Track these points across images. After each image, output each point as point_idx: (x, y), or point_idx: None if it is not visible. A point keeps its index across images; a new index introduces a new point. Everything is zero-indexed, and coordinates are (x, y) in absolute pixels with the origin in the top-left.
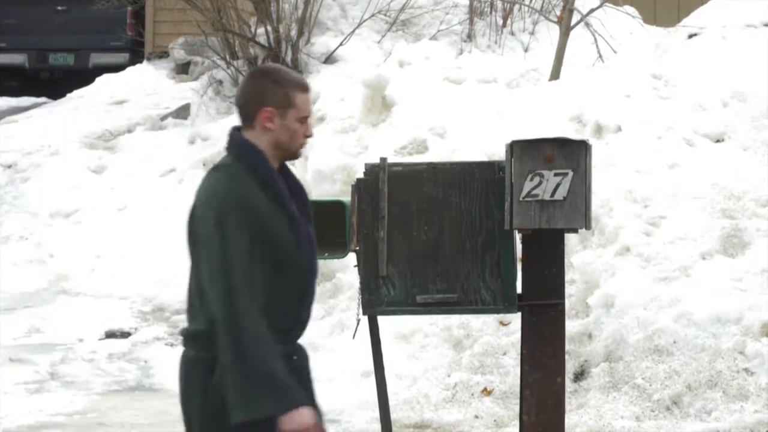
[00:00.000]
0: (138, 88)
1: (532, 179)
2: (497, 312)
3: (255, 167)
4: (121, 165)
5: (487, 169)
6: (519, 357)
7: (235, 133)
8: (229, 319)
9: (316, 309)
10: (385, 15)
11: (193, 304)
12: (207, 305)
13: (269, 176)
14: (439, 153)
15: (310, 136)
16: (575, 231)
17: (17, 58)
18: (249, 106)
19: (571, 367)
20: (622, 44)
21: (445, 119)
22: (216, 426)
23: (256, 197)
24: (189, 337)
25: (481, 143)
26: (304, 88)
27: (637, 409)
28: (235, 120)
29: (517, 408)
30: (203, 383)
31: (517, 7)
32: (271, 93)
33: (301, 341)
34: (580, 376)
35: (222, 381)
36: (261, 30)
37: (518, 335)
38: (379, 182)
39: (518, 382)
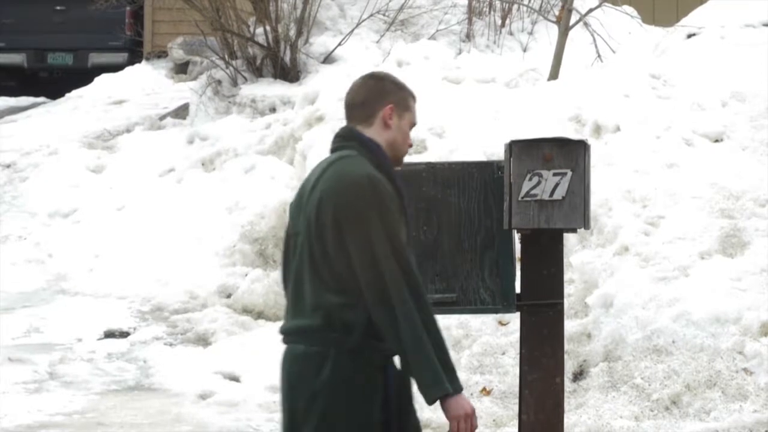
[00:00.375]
0: (137, 87)
1: (530, 179)
2: (496, 312)
3: (379, 161)
4: (120, 165)
5: (486, 169)
6: (518, 357)
7: (355, 130)
8: (411, 299)
9: None
10: (384, 15)
11: (300, 298)
12: (327, 296)
13: (392, 171)
14: (437, 153)
15: (411, 145)
16: (574, 231)
17: (16, 58)
18: (370, 103)
19: (570, 366)
20: (620, 44)
21: (443, 119)
22: (329, 423)
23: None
24: (295, 333)
25: (480, 143)
26: (415, 98)
27: (636, 408)
28: (234, 120)
29: (516, 408)
30: (315, 379)
31: (515, 6)
32: (393, 93)
33: None
34: (579, 375)
35: (402, 361)
36: (260, 30)
37: (517, 335)
38: None
39: (517, 381)
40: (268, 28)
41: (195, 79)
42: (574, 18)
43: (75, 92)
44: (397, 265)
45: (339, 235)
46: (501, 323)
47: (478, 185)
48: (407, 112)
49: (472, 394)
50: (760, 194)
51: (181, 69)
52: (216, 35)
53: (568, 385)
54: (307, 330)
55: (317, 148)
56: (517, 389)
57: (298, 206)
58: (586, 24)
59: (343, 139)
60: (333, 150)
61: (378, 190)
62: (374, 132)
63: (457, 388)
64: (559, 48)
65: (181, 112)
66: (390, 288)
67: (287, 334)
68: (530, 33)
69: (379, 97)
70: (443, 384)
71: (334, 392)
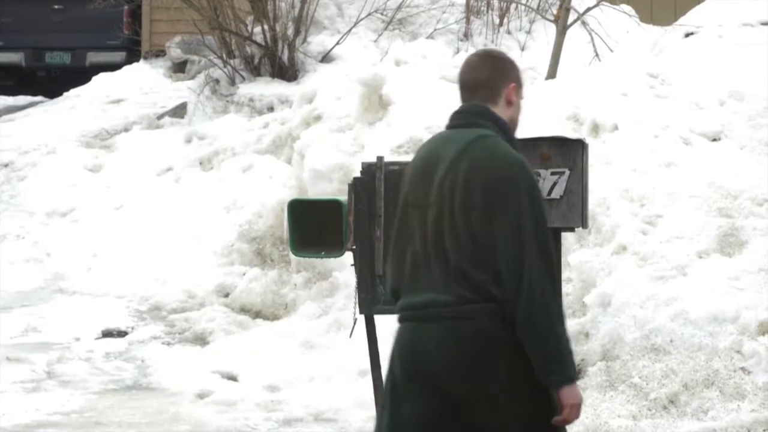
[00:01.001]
0: (135, 86)
1: None
2: None
3: (512, 141)
4: (118, 164)
5: None
6: None
7: (488, 108)
8: (548, 285)
9: (313, 308)
10: (382, 14)
11: (440, 270)
12: (477, 269)
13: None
14: None
15: None
16: (572, 230)
17: (14, 57)
18: (495, 81)
19: None
20: (618, 43)
21: (441, 118)
22: (526, 395)
23: None
24: (442, 306)
25: None
26: None
27: (633, 408)
28: (232, 119)
29: None
30: (495, 354)
31: (513, 5)
32: (513, 71)
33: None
34: (576, 375)
35: (529, 343)
36: (258, 29)
37: None
38: (376, 181)
39: None
40: (266, 27)
41: (193, 78)
42: (572, 17)
43: (73, 91)
44: (540, 249)
45: (489, 213)
46: None
47: None
48: (521, 89)
49: None
50: (758, 193)
51: (179, 68)
52: (214, 34)
53: None
54: (459, 303)
55: (315, 147)
56: None
57: (424, 177)
58: (584, 23)
59: (475, 116)
60: (461, 125)
61: (530, 174)
62: (499, 110)
63: (575, 376)
64: (556, 47)
65: (179, 111)
66: (530, 270)
67: (424, 307)
68: (528, 32)
69: (503, 76)
70: (568, 371)
71: (514, 363)
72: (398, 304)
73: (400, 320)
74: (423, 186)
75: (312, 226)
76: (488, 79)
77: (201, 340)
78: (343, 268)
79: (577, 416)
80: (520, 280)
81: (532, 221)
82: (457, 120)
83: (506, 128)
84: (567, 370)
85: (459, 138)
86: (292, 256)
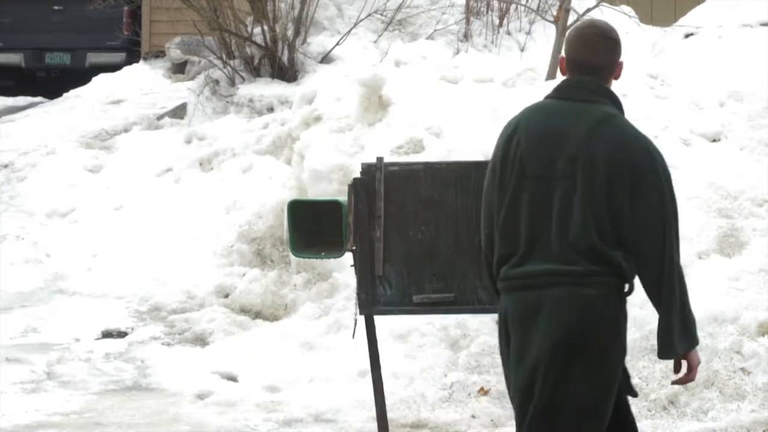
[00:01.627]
0: (134, 87)
1: None
2: (494, 311)
3: (623, 115)
4: (118, 164)
5: (484, 169)
6: None
7: (606, 87)
8: (678, 261)
9: (313, 308)
10: (382, 14)
11: (562, 243)
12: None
13: None
14: (435, 152)
15: None
16: None
17: (13, 58)
18: (611, 63)
19: None
20: None
21: (441, 119)
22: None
23: None
24: (569, 275)
25: (478, 143)
26: None
27: (633, 408)
28: (231, 119)
29: None
30: (618, 315)
31: (513, 6)
32: (621, 51)
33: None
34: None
35: (665, 313)
36: (257, 29)
37: None
38: (376, 182)
39: None
40: (265, 27)
41: (193, 78)
42: (571, 18)
43: (73, 92)
44: (676, 225)
45: (631, 194)
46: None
47: (475, 185)
48: None
49: (469, 394)
50: (757, 194)
51: (179, 69)
52: (214, 35)
53: None
54: (583, 274)
55: (315, 148)
56: None
57: (548, 150)
58: None
59: (591, 92)
60: (579, 99)
61: (662, 155)
62: (609, 85)
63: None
64: (556, 48)
65: (179, 111)
66: (671, 245)
67: (542, 275)
68: (528, 33)
69: (617, 56)
70: (697, 337)
71: (620, 332)
72: (506, 273)
73: (509, 289)
74: (546, 158)
75: (312, 227)
76: (609, 62)
77: (201, 340)
78: (343, 268)
79: (694, 377)
80: (662, 255)
81: (670, 200)
82: (574, 94)
83: (619, 104)
84: (696, 336)
85: (584, 113)
86: (292, 257)
